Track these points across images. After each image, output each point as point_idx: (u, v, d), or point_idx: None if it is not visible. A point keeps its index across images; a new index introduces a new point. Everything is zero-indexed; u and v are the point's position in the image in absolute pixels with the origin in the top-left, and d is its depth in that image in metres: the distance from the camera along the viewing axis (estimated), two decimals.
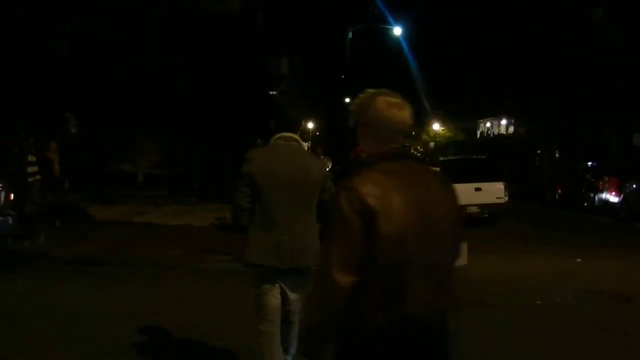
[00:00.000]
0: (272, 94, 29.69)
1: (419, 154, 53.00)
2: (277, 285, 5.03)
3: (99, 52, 17.42)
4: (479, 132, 63.37)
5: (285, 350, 5.26)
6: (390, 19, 39.56)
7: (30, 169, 15.10)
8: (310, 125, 60.17)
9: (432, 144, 64.35)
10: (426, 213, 3.00)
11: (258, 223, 5.02)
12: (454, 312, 3.30)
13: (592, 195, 23.09)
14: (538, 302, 9.45)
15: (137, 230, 15.81)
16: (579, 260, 12.74)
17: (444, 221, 3.07)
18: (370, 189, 2.90)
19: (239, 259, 5.47)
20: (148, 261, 11.76)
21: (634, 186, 20.07)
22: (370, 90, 3.24)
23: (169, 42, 18.83)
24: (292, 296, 5.10)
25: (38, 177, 15.30)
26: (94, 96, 17.69)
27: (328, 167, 13.36)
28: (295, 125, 5.36)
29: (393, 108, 3.17)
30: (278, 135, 5.21)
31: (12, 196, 12.00)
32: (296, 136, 5.26)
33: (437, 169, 11.13)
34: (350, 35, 36.71)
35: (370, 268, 2.89)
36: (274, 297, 5.04)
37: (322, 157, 14.20)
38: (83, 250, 12.84)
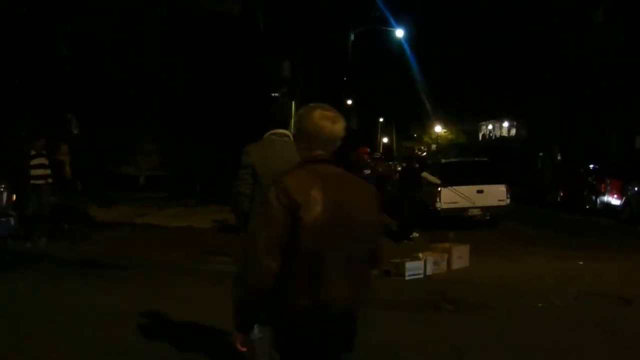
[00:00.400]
0: (274, 96, 29.69)
1: (424, 154, 53.09)
2: None
3: (99, 53, 17.44)
4: (480, 135, 63.36)
5: None
6: (392, 21, 39.53)
7: (43, 172, 14.82)
8: None
9: (433, 146, 64.35)
10: (343, 211, 3.40)
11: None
12: (365, 305, 3.61)
13: (593, 197, 23.07)
14: (539, 304, 9.44)
15: (138, 231, 15.82)
16: (580, 262, 12.73)
17: (360, 221, 3.46)
18: (296, 185, 3.35)
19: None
20: (149, 262, 11.76)
21: (636, 188, 20.05)
22: (311, 104, 3.71)
23: (169, 43, 18.84)
24: None
25: (50, 180, 15.17)
26: (95, 96, 17.69)
27: None
28: (285, 124, 6.00)
29: (326, 121, 3.59)
30: (272, 131, 5.81)
31: (13, 197, 12.01)
32: (287, 132, 5.73)
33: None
34: (352, 37, 36.66)
35: (293, 255, 3.29)
36: None
37: None
38: (84, 252, 12.84)
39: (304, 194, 3.32)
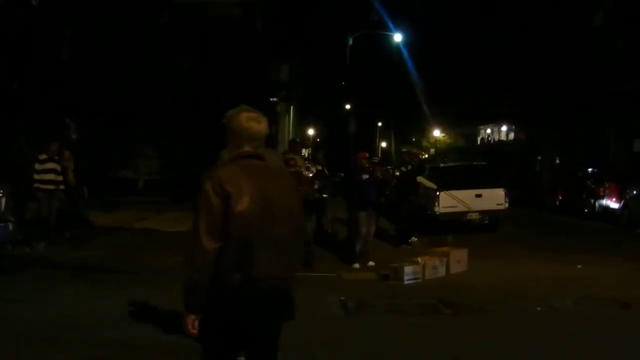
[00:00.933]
0: (272, 100, 29.70)
1: (425, 157, 53.14)
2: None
3: (100, 58, 17.42)
4: (479, 138, 63.37)
5: None
6: (391, 25, 39.61)
7: (55, 177, 14.31)
8: (311, 131, 60.22)
9: (432, 150, 64.35)
10: (269, 199, 3.93)
11: None
12: (293, 280, 4.14)
13: (592, 201, 23.09)
14: (538, 308, 9.46)
15: (137, 236, 15.80)
16: (579, 266, 12.75)
17: (284, 206, 4.00)
18: (227, 177, 3.86)
19: None
20: (148, 267, 11.76)
21: (634, 192, 20.08)
22: (238, 107, 4.26)
23: (169, 47, 18.84)
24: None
25: (62, 186, 14.66)
26: (94, 100, 17.66)
27: (313, 172, 13.33)
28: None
29: (251, 121, 4.15)
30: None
31: (12, 202, 12.02)
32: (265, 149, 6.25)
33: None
34: (350, 41, 36.68)
35: (227, 238, 3.78)
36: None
37: (319, 166, 14.13)
38: (83, 256, 12.85)
39: (235, 185, 3.83)
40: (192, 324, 3.87)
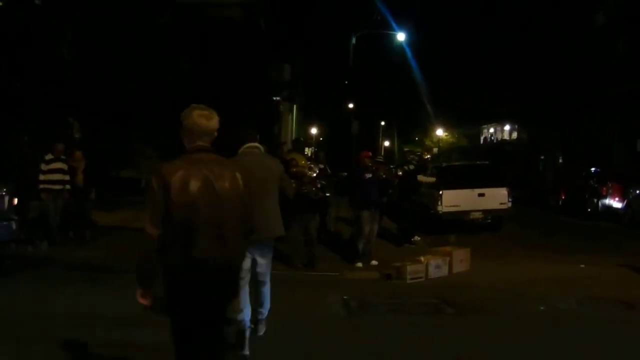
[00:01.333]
0: (275, 100, 29.71)
1: (427, 157, 53.04)
2: (249, 256, 6.70)
3: (100, 57, 17.41)
4: (482, 138, 63.33)
5: (260, 305, 7.32)
6: (393, 25, 39.56)
7: (61, 177, 14.19)
8: (314, 130, 60.23)
9: (435, 150, 64.28)
10: (213, 187, 4.44)
11: None
12: (240, 260, 4.82)
13: (595, 201, 23.05)
14: (541, 307, 9.44)
15: (139, 235, 15.74)
16: (582, 266, 12.73)
17: (228, 194, 4.49)
18: (168, 171, 4.40)
19: None
20: None
21: (637, 192, 20.05)
22: (191, 106, 4.71)
23: (171, 47, 18.83)
24: (261, 261, 7.04)
25: (68, 186, 14.46)
26: (95, 101, 17.64)
27: (316, 172, 13.36)
28: (254, 139, 7.39)
29: (202, 118, 4.61)
30: (245, 145, 7.29)
31: (15, 201, 12.02)
32: (257, 144, 7.37)
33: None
34: (353, 40, 36.65)
35: (169, 224, 4.34)
36: (246, 263, 6.55)
37: (321, 165, 14.14)
38: (85, 256, 12.85)
39: (176, 178, 4.36)
40: (142, 295, 4.48)
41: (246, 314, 6.84)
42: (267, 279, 7.27)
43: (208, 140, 4.62)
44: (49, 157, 14.20)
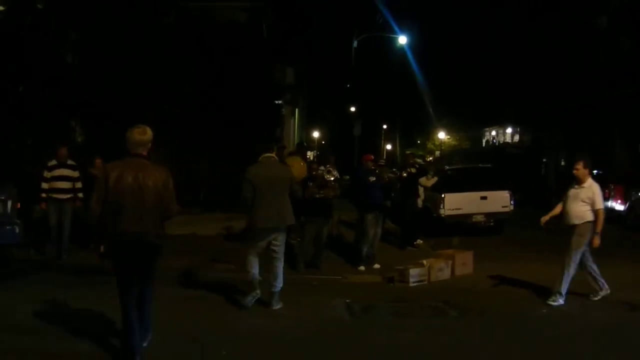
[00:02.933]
0: (278, 103, 29.69)
1: (430, 160, 53.23)
2: (266, 238, 9.05)
3: (105, 61, 17.42)
4: (484, 141, 63.32)
5: (275, 278, 9.14)
6: (396, 28, 39.58)
7: (66, 185, 13.07)
8: (316, 134, 60.26)
9: (437, 152, 64.28)
10: (138, 184, 6.43)
11: (257, 205, 8.97)
12: (158, 236, 6.61)
13: None
14: (544, 310, 9.44)
15: None
16: None
17: (148, 187, 6.48)
18: (111, 168, 6.54)
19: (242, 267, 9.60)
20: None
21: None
22: (135, 125, 6.73)
23: (175, 50, 18.84)
24: (275, 242, 9.09)
25: (80, 195, 13.09)
26: (100, 103, 17.62)
27: (335, 176, 13.37)
28: (268, 150, 9.49)
29: (138, 134, 6.64)
30: (264, 155, 9.33)
31: (18, 204, 12.01)
32: (273, 154, 9.45)
33: None
34: (355, 44, 36.66)
35: (106, 205, 6.40)
36: (263, 244, 9.10)
37: (329, 167, 14.12)
38: (88, 259, 12.82)
39: (114, 173, 6.46)
40: (100, 249, 7.31)
41: (254, 273, 9.19)
42: (281, 257, 9.20)
43: (143, 150, 6.66)
44: (52, 163, 13.11)
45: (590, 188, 9.90)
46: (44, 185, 13.04)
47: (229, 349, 7.11)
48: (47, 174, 13.07)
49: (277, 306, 9.09)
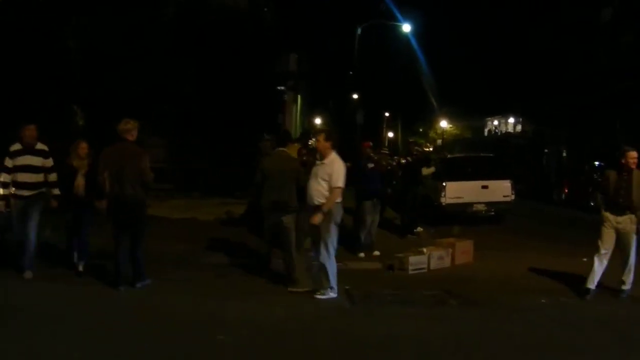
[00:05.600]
0: (280, 89, 29.67)
1: (430, 149, 53.24)
2: (274, 219, 10.14)
3: (105, 51, 17.36)
4: (486, 130, 63.28)
5: (282, 247, 10.30)
6: (399, 15, 39.38)
7: (31, 178, 9.67)
8: (318, 121, 60.17)
9: (439, 141, 64.28)
10: (124, 160, 8.97)
11: (267, 191, 10.13)
12: (137, 195, 9.03)
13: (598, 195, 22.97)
14: (543, 300, 9.43)
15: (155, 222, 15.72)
16: (584, 259, 12.68)
17: (131, 162, 8.99)
18: (107, 150, 9.23)
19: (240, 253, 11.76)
20: (151, 254, 11.69)
21: None
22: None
23: (176, 38, 18.78)
24: (284, 219, 10.02)
25: (56, 191, 9.82)
26: (102, 93, 17.56)
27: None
28: (283, 144, 10.85)
29: (122, 124, 9.14)
30: (278, 149, 10.76)
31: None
32: (285, 149, 10.67)
33: None
34: (358, 31, 36.53)
35: (108, 175, 9.06)
36: (272, 222, 10.19)
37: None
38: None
39: (107, 152, 9.16)
40: (101, 203, 9.53)
41: (268, 253, 10.77)
42: (292, 236, 10.18)
43: (128, 135, 9.12)
44: (15, 147, 9.77)
45: None
46: (4, 178, 9.78)
47: (224, 334, 7.08)
48: (8, 163, 9.75)
49: (293, 288, 9.72)
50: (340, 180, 9.04)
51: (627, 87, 29.76)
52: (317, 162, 9.52)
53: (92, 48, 17.48)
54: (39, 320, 7.29)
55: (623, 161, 9.72)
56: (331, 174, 9.05)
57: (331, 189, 9.00)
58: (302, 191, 9.72)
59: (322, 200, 9.02)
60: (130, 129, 9.10)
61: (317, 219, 8.98)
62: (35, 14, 16.68)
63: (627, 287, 9.54)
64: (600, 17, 34.31)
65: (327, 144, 9.34)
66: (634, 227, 9.59)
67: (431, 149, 57.75)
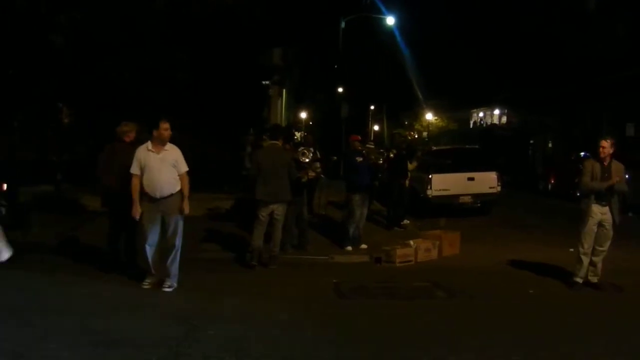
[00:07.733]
0: (265, 84, 29.60)
1: (415, 137, 53.29)
2: (267, 210, 10.97)
3: (95, 43, 17.28)
4: (471, 122, 63.42)
5: (275, 244, 11.21)
6: (383, 8, 39.36)
7: None
8: (303, 115, 60.15)
9: (425, 134, 64.37)
10: (120, 157, 9.55)
11: (260, 183, 10.87)
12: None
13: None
14: (530, 290, 9.51)
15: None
16: (571, 249, 12.77)
17: (124, 159, 9.24)
18: (109, 148, 10.16)
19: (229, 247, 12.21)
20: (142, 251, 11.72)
21: (626, 176, 20.09)
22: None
23: (166, 34, 18.71)
24: (276, 212, 10.97)
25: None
26: (91, 88, 17.48)
27: (309, 158, 13.35)
28: (276, 139, 11.54)
29: (122, 127, 10.05)
30: (270, 142, 11.62)
31: (4, 186, 11.94)
32: (278, 142, 11.44)
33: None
34: (343, 24, 36.48)
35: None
36: (266, 213, 10.96)
37: (311, 149, 14.06)
38: (76, 241, 12.80)
39: (108, 150, 10.16)
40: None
41: (258, 244, 11.04)
42: (280, 226, 11.12)
43: (126, 137, 9.92)
44: None
45: None
46: None
47: (215, 329, 7.11)
48: None
49: (273, 266, 11.10)
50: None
51: (616, 77, 29.91)
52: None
53: (83, 34, 17.37)
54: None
55: (598, 150, 10.04)
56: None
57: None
58: (294, 184, 11.29)
59: None
60: (127, 131, 9.91)
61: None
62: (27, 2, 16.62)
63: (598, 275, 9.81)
64: (587, 5, 34.38)
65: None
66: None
67: (416, 136, 57.88)
